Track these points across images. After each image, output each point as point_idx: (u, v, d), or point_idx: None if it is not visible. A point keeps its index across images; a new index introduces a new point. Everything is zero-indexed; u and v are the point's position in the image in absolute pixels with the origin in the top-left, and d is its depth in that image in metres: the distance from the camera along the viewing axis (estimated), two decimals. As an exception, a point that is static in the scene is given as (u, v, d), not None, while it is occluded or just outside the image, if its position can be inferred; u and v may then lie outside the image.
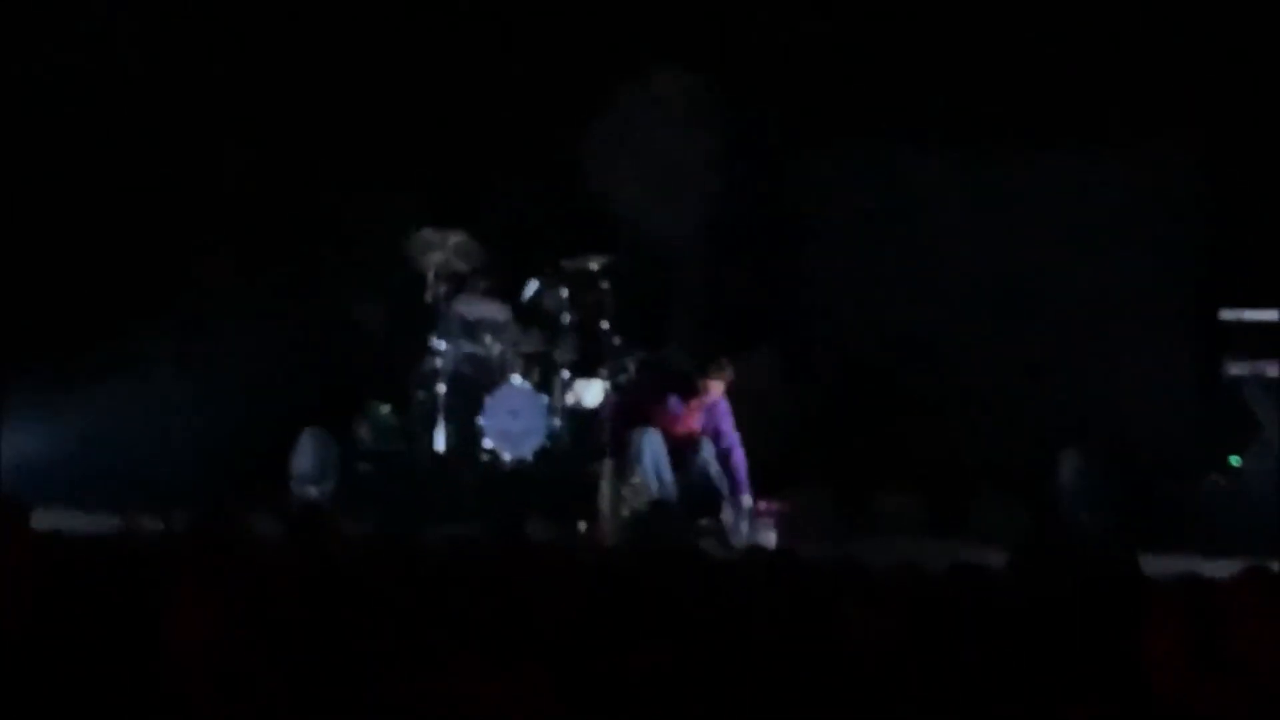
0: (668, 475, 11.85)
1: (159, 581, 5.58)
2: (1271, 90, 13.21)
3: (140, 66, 13.82)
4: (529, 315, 13.80)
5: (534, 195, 14.18)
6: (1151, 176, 14.09)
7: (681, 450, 11.93)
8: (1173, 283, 13.94)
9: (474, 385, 13.61)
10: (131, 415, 13.67)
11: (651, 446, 11.88)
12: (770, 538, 11.48)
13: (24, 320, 13.75)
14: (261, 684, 4.36)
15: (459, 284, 13.85)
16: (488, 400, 13.44)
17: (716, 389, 12.10)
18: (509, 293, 13.88)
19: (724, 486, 11.90)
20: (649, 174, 13.92)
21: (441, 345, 13.65)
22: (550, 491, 12.93)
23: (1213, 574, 5.44)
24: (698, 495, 11.83)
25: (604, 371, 13.55)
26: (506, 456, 13.42)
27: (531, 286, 13.83)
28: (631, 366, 13.43)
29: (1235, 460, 13.02)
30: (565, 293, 13.70)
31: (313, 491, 13.01)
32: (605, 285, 13.68)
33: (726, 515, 11.75)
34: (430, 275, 13.78)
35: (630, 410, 12.19)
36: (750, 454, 12.19)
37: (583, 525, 11.83)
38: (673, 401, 12.12)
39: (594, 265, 13.68)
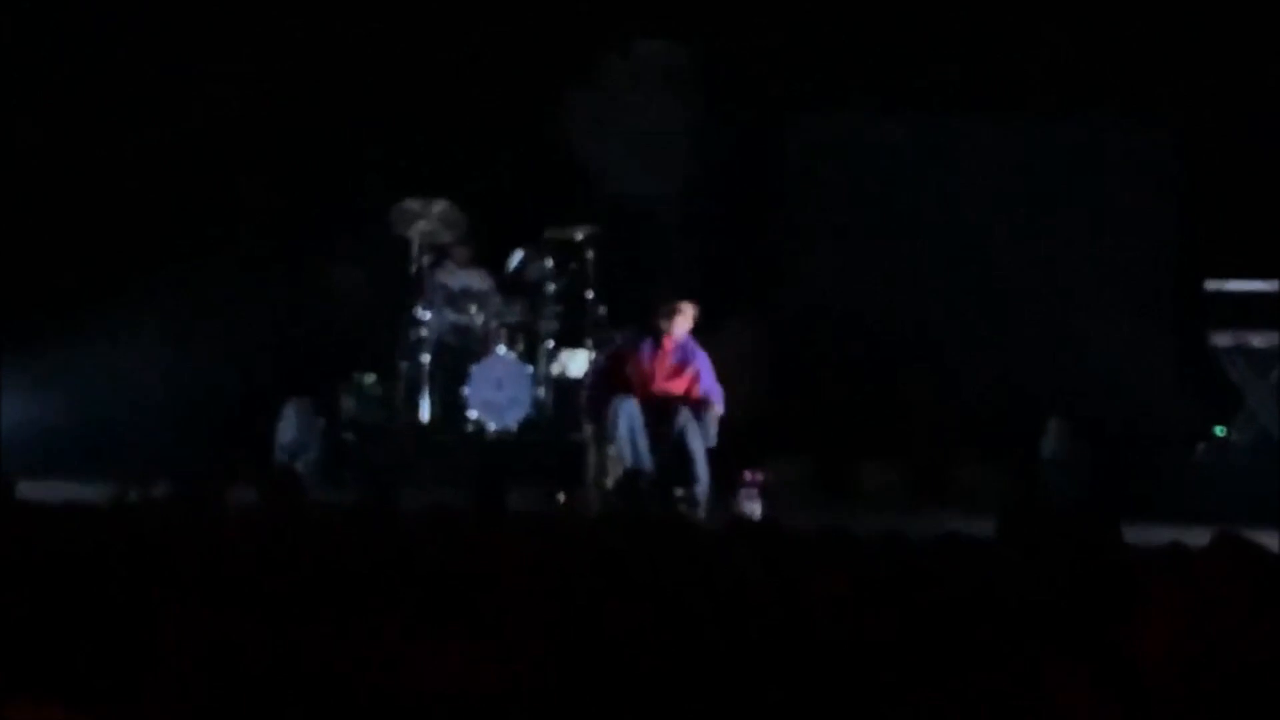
0: (643, 444, 11.79)
1: (143, 551, 5.58)
2: (1251, 59, 13.21)
3: (125, 41, 13.78)
4: (513, 285, 13.79)
5: (518, 165, 14.16)
6: (1136, 147, 14.12)
7: (659, 418, 11.84)
8: (1157, 253, 13.97)
9: (459, 355, 13.61)
10: (116, 386, 13.66)
11: (627, 414, 11.81)
12: (755, 508, 11.44)
13: (7, 292, 13.72)
14: (238, 653, 4.36)
15: (443, 254, 13.85)
16: (473, 370, 13.44)
17: (680, 325, 11.94)
18: (493, 263, 13.87)
19: (700, 456, 11.76)
20: (630, 143, 13.90)
21: (426, 315, 13.64)
22: (535, 461, 12.92)
23: (1197, 544, 5.46)
24: (673, 465, 11.75)
25: (589, 341, 13.54)
26: (491, 427, 13.42)
27: (516, 256, 13.82)
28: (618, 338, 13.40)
29: (1220, 430, 13.04)
30: (550, 263, 13.69)
31: (297, 462, 12.99)
32: (590, 255, 13.67)
33: (701, 486, 11.68)
34: (414, 245, 13.77)
35: (607, 374, 12.11)
36: (732, 423, 12.13)
37: (561, 495, 11.79)
38: (645, 351, 11.99)
39: (578, 235, 13.67)
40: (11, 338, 13.70)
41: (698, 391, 11.91)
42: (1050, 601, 5.19)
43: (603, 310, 13.62)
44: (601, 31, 13.88)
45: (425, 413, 13.61)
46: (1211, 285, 12.90)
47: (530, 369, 13.54)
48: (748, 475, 11.62)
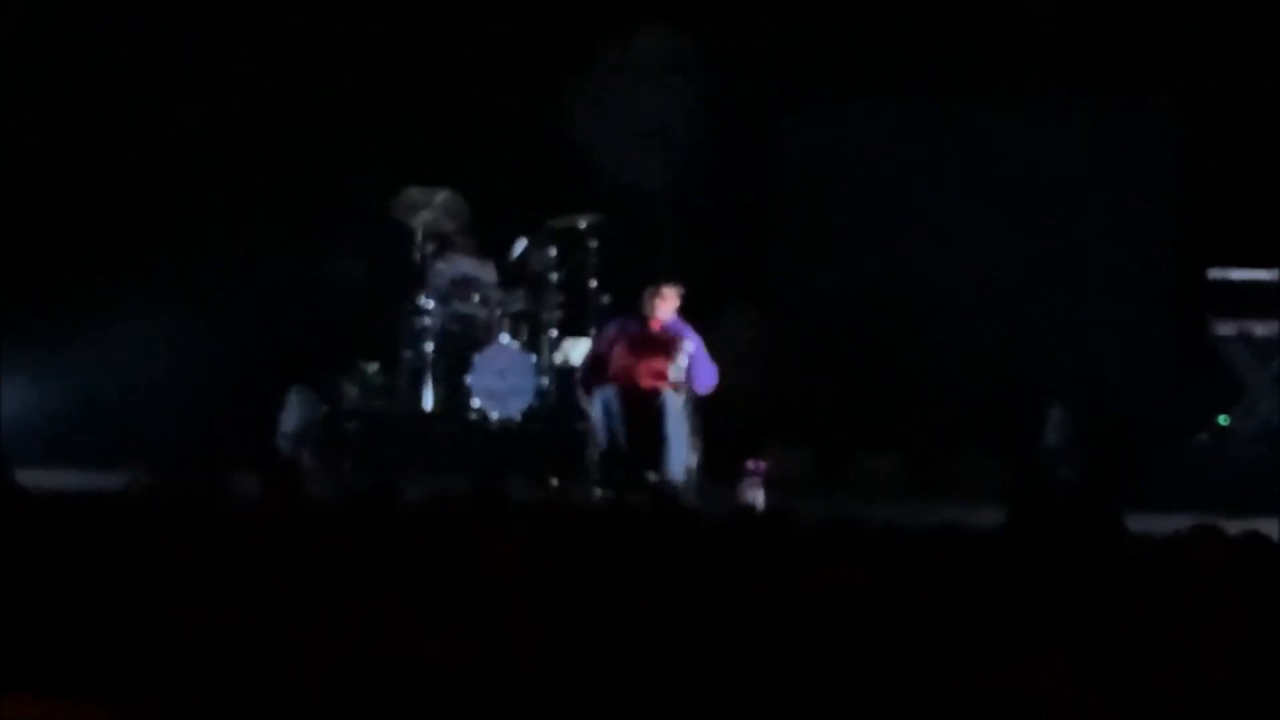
0: (620, 428, 11.76)
1: (144, 542, 5.58)
2: (1257, 46, 13.20)
3: (125, 31, 13.78)
4: (517, 274, 13.78)
5: (521, 154, 14.15)
6: (1137, 135, 14.11)
7: (642, 403, 11.78)
8: (1158, 242, 13.95)
9: (462, 344, 13.61)
10: (120, 375, 13.66)
11: (603, 398, 11.81)
12: (759, 497, 11.43)
13: (7, 279, 13.73)
14: (238, 645, 4.36)
15: (446, 243, 13.84)
16: (476, 359, 13.44)
17: (663, 309, 11.92)
18: (496, 252, 13.86)
19: (678, 440, 11.69)
20: (630, 133, 13.89)
21: (429, 304, 13.64)
22: (538, 450, 12.91)
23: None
24: (648, 448, 11.70)
25: (591, 331, 13.54)
26: (494, 416, 13.42)
27: (520, 245, 13.80)
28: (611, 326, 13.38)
29: (1223, 420, 13.02)
30: (553, 252, 13.68)
31: (300, 450, 13.00)
32: (593, 244, 13.66)
33: (676, 470, 11.63)
34: (418, 234, 13.77)
35: (599, 360, 12.10)
36: (731, 412, 12.10)
37: (554, 481, 11.78)
38: (632, 334, 11.95)
39: (582, 224, 13.66)
40: (12, 326, 13.71)
41: (682, 374, 11.84)
42: (1056, 596, 5.19)
43: (606, 299, 13.61)
44: (603, 22, 13.86)
45: (428, 402, 13.61)
46: (1214, 274, 12.88)
47: (533, 358, 13.53)
48: (750, 465, 11.61)
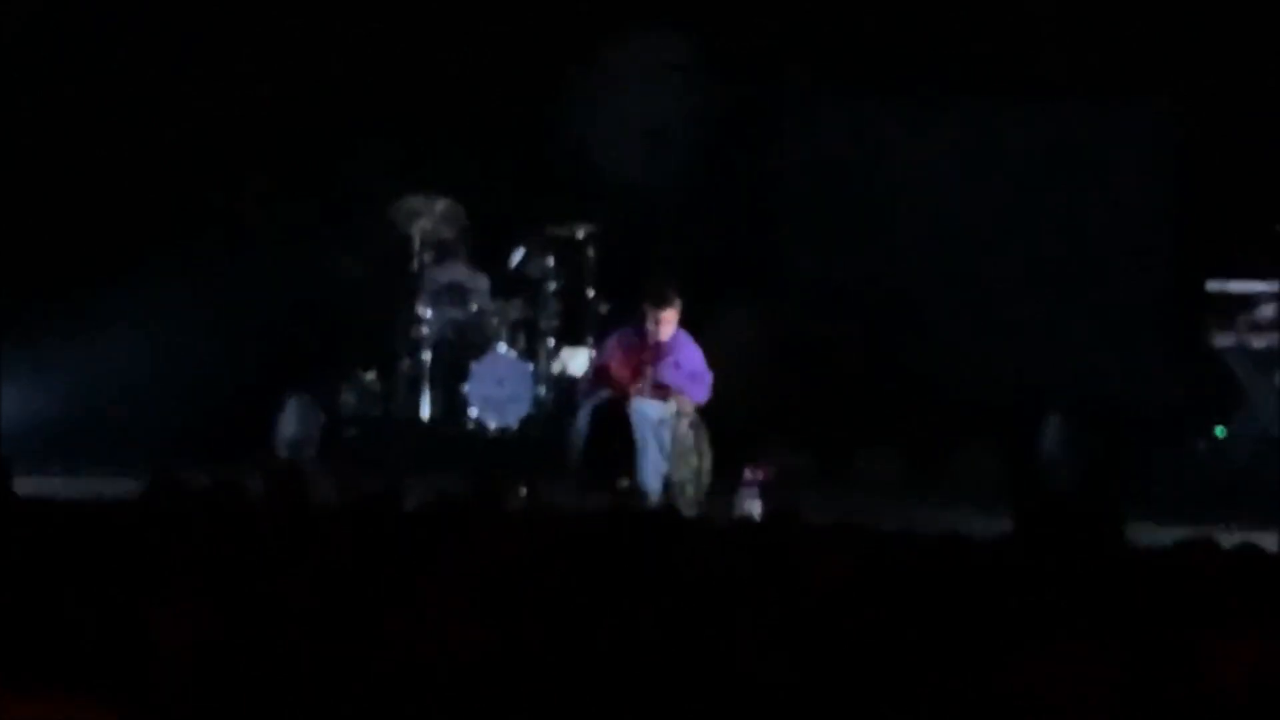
0: (599, 436, 11.72)
1: (145, 546, 5.58)
2: (1261, 53, 13.21)
3: (126, 32, 13.78)
4: (515, 282, 13.78)
5: (519, 162, 14.14)
6: (1139, 143, 14.11)
7: (624, 412, 11.71)
8: (1158, 251, 13.96)
9: (459, 352, 13.61)
10: (116, 381, 13.64)
11: (592, 407, 11.78)
12: (756, 507, 11.37)
13: (6, 284, 13.71)
14: (240, 646, 4.36)
15: (445, 251, 13.84)
16: (473, 367, 13.44)
17: (665, 329, 11.81)
18: (495, 260, 13.86)
19: (651, 448, 11.63)
20: (628, 135, 13.88)
21: (427, 312, 13.64)
22: (535, 458, 12.88)
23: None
24: (623, 455, 11.64)
25: (589, 339, 13.54)
26: (492, 424, 13.42)
27: (518, 253, 13.81)
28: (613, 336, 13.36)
29: (1220, 431, 13.02)
30: (551, 260, 13.68)
31: (300, 457, 12.98)
32: (591, 252, 13.67)
33: (649, 477, 11.59)
34: (416, 242, 13.77)
35: (601, 373, 12.05)
36: (730, 416, 12.06)
37: (523, 490, 11.72)
38: (629, 343, 11.89)
39: (580, 232, 13.67)
40: (10, 330, 13.69)
41: (677, 383, 11.77)
42: (1058, 598, 5.19)
43: (603, 308, 13.61)
44: (601, 27, 13.85)
45: (426, 409, 13.61)
46: (1213, 286, 12.88)
47: (531, 366, 13.54)
48: (748, 474, 11.54)
